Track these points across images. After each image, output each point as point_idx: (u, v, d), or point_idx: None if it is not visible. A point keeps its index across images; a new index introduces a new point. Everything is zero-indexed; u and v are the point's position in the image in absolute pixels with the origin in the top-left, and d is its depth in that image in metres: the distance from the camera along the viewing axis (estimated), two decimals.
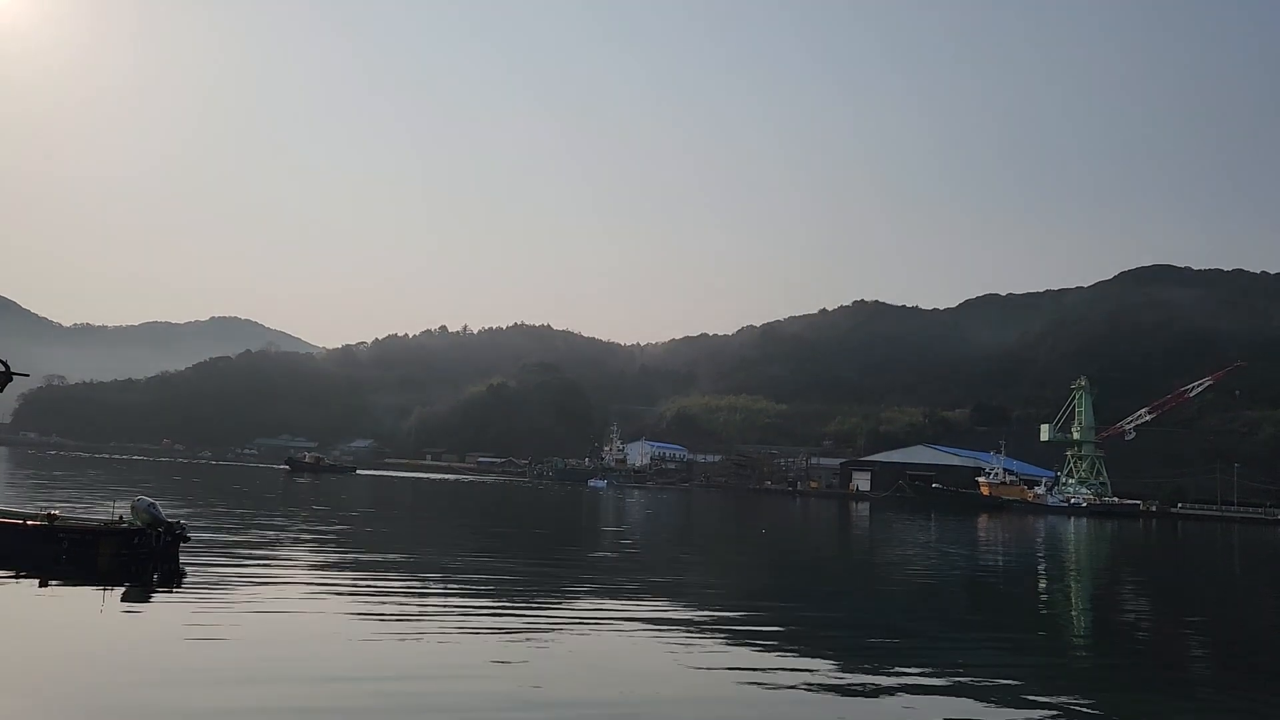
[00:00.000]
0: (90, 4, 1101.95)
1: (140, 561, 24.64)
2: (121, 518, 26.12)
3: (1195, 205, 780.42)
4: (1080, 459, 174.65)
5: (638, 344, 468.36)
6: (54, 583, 21.99)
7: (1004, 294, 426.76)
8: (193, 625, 17.61)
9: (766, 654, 18.04)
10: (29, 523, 25.43)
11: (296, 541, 35.46)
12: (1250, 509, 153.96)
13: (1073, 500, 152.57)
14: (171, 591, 21.97)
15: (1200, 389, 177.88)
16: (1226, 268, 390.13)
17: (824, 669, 16.97)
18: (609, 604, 23.47)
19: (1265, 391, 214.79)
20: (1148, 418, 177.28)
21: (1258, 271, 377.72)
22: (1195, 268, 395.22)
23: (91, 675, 13.99)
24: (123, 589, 21.87)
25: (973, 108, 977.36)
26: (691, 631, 20.06)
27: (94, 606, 19.59)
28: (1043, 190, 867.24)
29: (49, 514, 25.97)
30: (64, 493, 53.84)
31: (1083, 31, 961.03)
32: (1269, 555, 72.54)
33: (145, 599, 21.30)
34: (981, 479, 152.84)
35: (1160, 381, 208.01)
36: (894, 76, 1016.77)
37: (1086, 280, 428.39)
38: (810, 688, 15.36)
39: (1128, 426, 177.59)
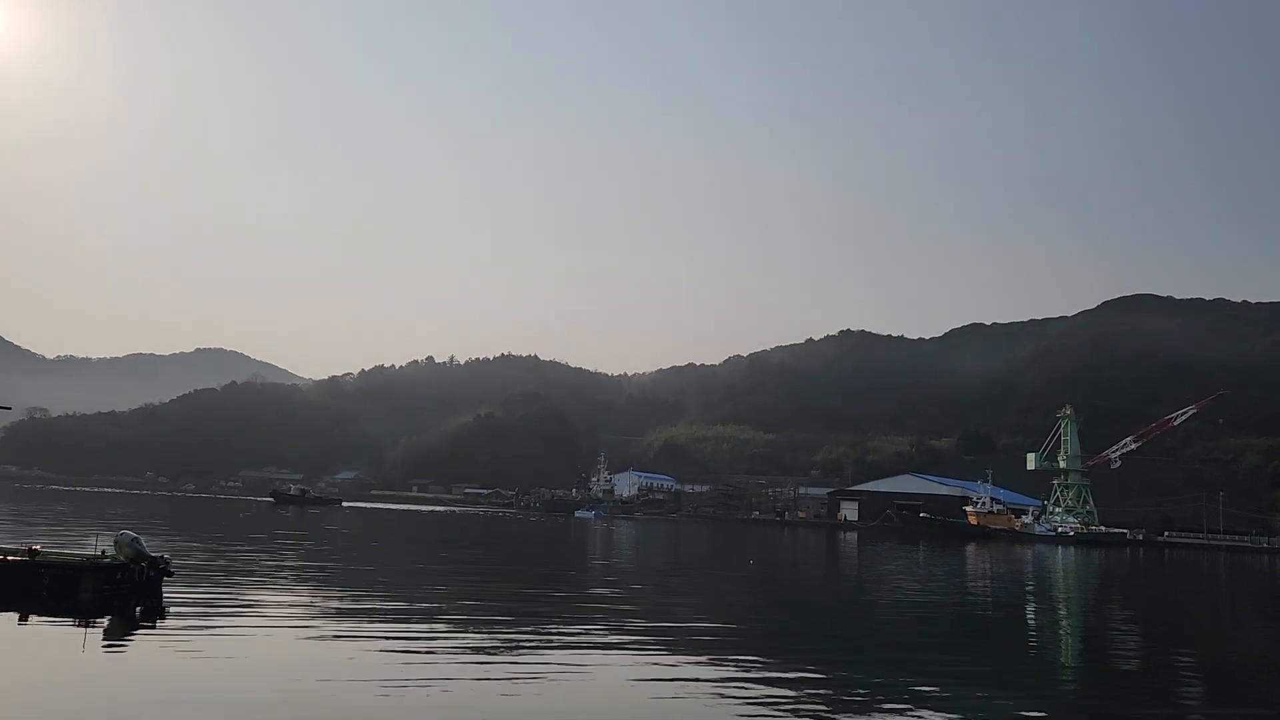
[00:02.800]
0: (69, 32, 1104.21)
1: (123, 597, 24.42)
2: (104, 552, 25.91)
3: (1177, 235, 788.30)
4: (1067, 487, 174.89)
5: (625, 374, 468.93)
6: (35, 618, 21.76)
7: (989, 323, 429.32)
8: (174, 664, 17.43)
9: (757, 692, 17.96)
10: (10, 558, 25.17)
11: (280, 576, 35.19)
12: (1235, 537, 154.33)
13: (1060, 529, 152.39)
14: (154, 627, 21.74)
15: (1184, 417, 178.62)
16: (1208, 296, 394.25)
17: (813, 708, 16.91)
18: (593, 645, 23.35)
19: (1248, 419, 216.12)
20: (1133, 446, 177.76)
21: (1239, 301, 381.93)
22: (1177, 297, 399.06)
23: (69, 716, 13.82)
24: (104, 625, 21.66)
25: (956, 140, 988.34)
26: (678, 669, 19.97)
27: (75, 643, 19.38)
28: (1026, 220, 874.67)
29: (31, 548, 25.73)
30: (46, 527, 53.34)
31: (1064, 65, 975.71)
32: (1255, 583, 72.69)
33: (127, 636, 21.08)
34: (969, 508, 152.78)
35: (1144, 409, 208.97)
36: (880, 109, 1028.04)
37: (1070, 309, 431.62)
38: None
39: (1114, 455, 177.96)
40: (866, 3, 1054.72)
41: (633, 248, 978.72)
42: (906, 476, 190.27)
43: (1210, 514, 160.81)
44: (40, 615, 22.09)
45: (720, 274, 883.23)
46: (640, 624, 26.68)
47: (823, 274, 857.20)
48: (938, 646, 26.70)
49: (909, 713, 16.31)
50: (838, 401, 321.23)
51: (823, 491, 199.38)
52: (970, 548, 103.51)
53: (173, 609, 23.80)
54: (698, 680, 18.34)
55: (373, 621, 24.21)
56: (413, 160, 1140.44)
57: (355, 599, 29.23)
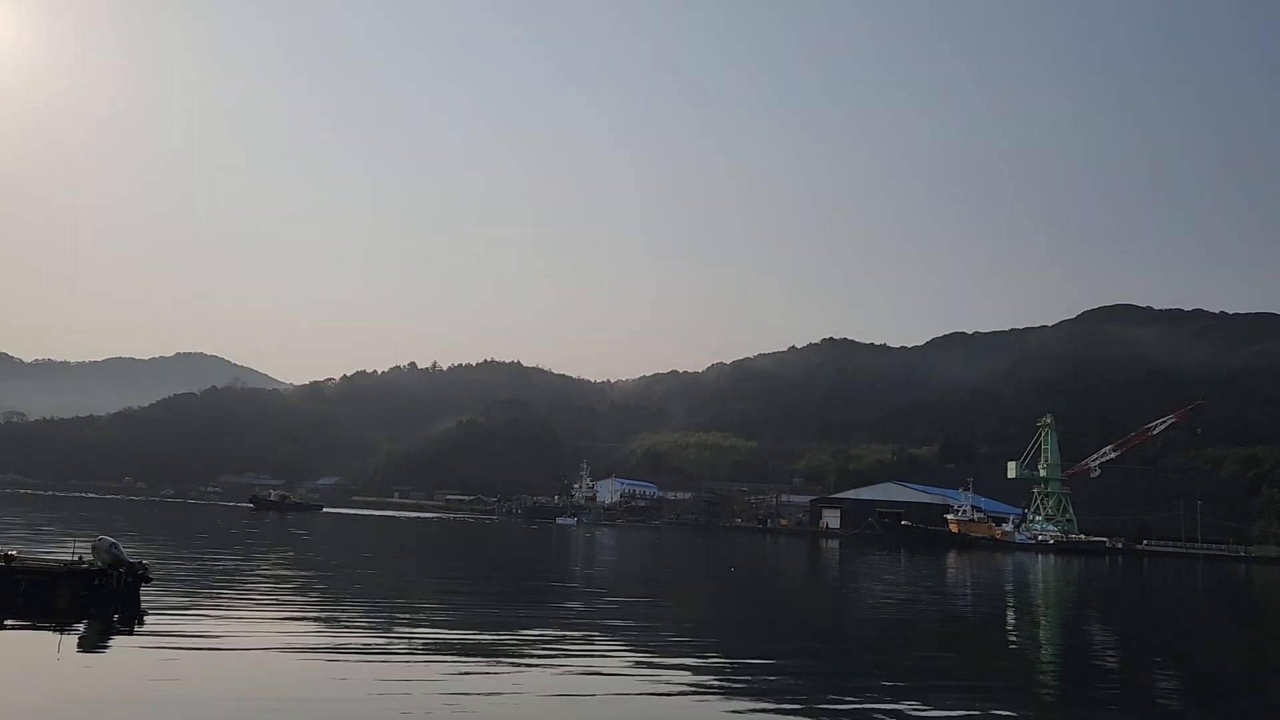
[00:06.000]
0: (55, 42, 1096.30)
1: (101, 603, 24.25)
2: (82, 558, 25.73)
3: (1156, 246, 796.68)
4: (1047, 496, 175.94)
5: (609, 380, 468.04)
6: (10, 625, 21.57)
7: (970, 332, 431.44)
8: (152, 670, 17.32)
9: (737, 705, 17.99)
10: None
11: (259, 582, 34.99)
12: (1214, 545, 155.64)
13: (1040, 537, 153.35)
14: (132, 633, 21.58)
15: (1163, 426, 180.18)
16: (1187, 307, 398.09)
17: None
18: (573, 656, 23.35)
19: (1226, 429, 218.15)
20: (1112, 455, 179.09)
21: (1216, 311, 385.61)
22: (1156, 307, 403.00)
23: None
24: (81, 631, 21.49)
25: (939, 150, 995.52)
26: (656, 679, 19.99)
27: (50, 650, 19.21)
28: (1008, 230, 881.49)
29: (6, 554, 25.48)
30: (22, 532, 52.83)
31: (1044, 79, 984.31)
32: (1233, 592, 73.33)
33: (104, 642, 20.93)
34: (950, 516, 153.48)
35: (1124, 418, 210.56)
36: (861, 120, 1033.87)
37: (1051, 319, 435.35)
38: None
39: (1093, 464, 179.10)
40: (857, 13, 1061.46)
41: (616, 254, 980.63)
42: (888, 485, 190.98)
43: (1189, 522, 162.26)
44: (16, 621, 21.91)
45: (704, 281, 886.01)
46: (619, 633, 26.68)
47: (806, 282, 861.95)
48: (916, 655, 26.82)
49: None
50: (820, 409, 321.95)
51: (805, 499, 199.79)
52: (951, 556, 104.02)
53: (150, 615, 23.63)
54: (676, 695, 18.37)
55: (350, 630, 24.11)
56: (393, 166, 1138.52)
57: (333, 606, 29.10)
